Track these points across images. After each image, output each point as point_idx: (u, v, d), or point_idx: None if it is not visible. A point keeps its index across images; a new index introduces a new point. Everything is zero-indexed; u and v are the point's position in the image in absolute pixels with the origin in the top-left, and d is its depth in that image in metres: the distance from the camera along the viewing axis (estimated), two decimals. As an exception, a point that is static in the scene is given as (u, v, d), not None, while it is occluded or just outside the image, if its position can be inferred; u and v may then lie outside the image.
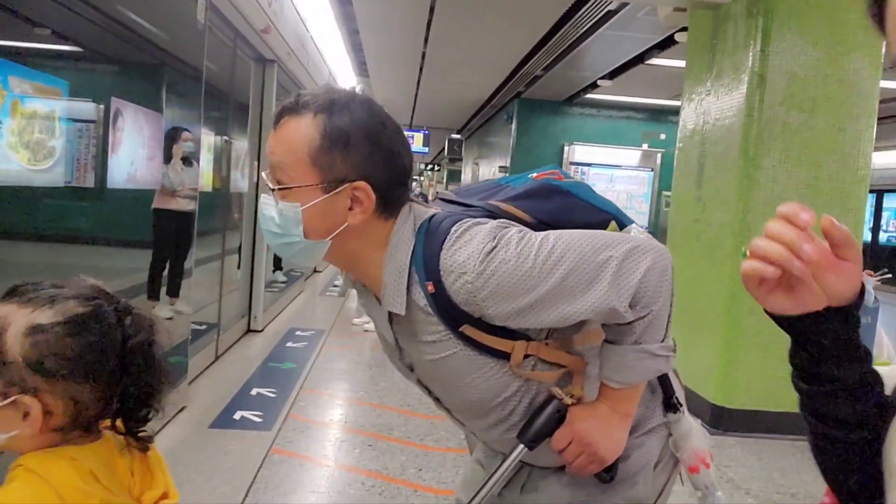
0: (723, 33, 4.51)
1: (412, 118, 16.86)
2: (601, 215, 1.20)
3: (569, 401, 1.16)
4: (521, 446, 1.17)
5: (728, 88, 4.39)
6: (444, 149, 18.68)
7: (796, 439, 4.12)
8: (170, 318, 4.50)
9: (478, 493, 1.20)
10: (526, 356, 1.15)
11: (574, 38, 8.19)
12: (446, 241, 1.11)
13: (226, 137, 5.94)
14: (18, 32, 2.73)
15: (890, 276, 5.73)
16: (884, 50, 0.65)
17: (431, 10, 7.43)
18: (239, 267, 6.13)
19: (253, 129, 6.18)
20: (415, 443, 3.64)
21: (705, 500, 1.33)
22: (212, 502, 2.81)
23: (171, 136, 4.50)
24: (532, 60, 9.28)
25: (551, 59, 9.37)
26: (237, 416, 3.85)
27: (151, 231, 4.33)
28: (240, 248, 6.20)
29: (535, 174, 1.28)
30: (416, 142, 14.94)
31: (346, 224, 1.10)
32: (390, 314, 1.15)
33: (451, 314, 1.11)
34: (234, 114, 5.97)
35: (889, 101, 7.47)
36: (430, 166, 26.35)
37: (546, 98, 11.36)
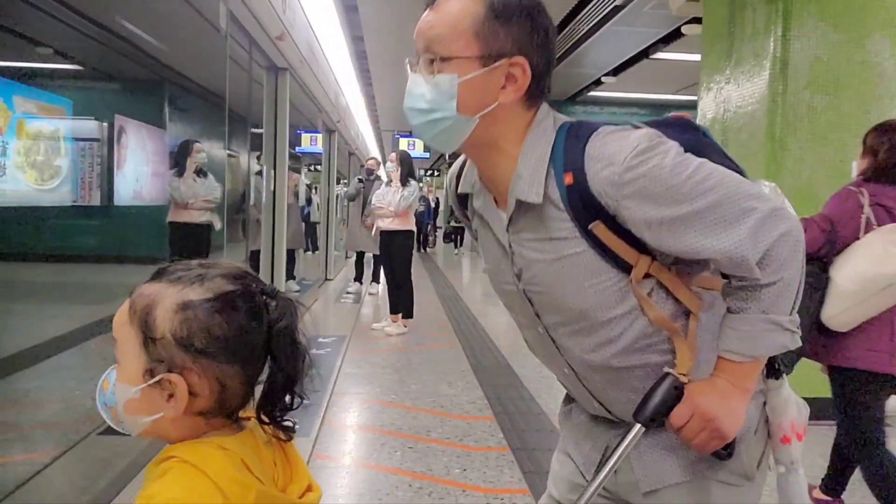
0: (740, 20, 4.50)
1: (414, 124, 16.84)
2: (732, 165, 1.16)
3: (684, 379, 1.12)
4: (638, 426, 1.12)
5: (749, 75, 4.37)
6: (443, 154, 18.68)
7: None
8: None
9: (596, 478, 1.13)
10: (647, 276, 1.12)
11: (579, 36, 8.19)
12: (595, 134, 1.10)
13: (234, 151, 5.94)
14: (22, 52, 2.73)
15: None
16: None
17: (437, 13, 7.43)
18: (287, 279, 6.12)
19: (268, 138, 6.16)
20: (455, 443, 3.60)
21: (787, 476, 1.28)
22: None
23: (184, 149, 4.51)
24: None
25: (558, 56, 9.35)
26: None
27: (166, 245, 4.33)
28: (255, 256, 6.18)
29: (670, 115, 1.26)
30: (418, 147, 14.95)
31: (496, 104, 1.10)
32: (512, 215, 1.15)
33: (585, 208, 1.09)
34: (242, 125, 5.96)
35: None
36: (429, 171, 26.44)
37: (548, 98, 11.36)
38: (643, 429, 1.12)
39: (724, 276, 1.18)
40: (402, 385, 4.77)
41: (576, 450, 1.37)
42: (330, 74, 8.11)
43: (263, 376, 0.91)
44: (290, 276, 7.48)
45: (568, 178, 1.09)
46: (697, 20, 6.90)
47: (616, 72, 10.20)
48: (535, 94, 1.13)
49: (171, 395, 0.84)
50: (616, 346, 1.16)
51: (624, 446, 1.13)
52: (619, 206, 1.07)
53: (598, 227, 1.10)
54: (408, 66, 1.15)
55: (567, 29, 7.89)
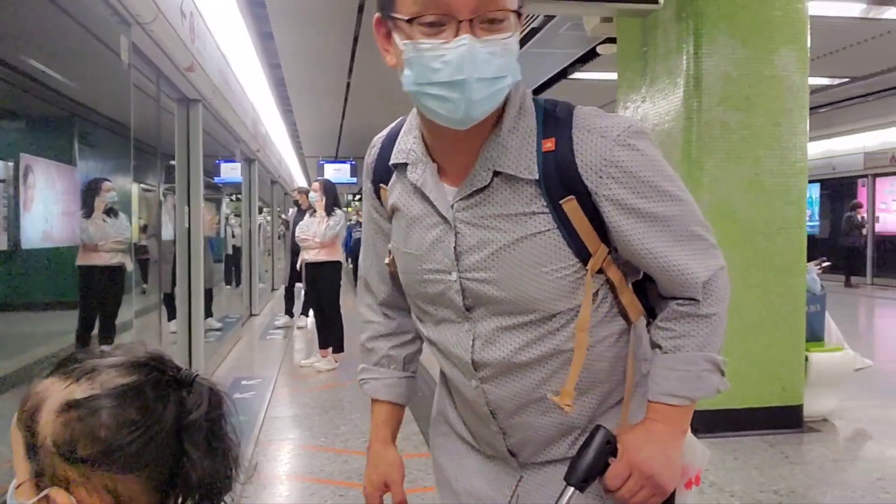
0: (653, 39, 4.56)
1: (338, 149, 16.67)
2: None
3: (568, 409, 1.06)
4: (571, 490, 1.01)
5: (664, 93, 4.42)
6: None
7: (765, 433, 4.13)
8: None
9: None
10: (600, 271, 1.05)
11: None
12: (578, 107, 1.04)
13: (148, 185, 5.65)
14: None
15: (829, 263, 5.92)
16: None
17: (355, 40, 7.33)
18: (170, 319, 5.78)
19: (181, 171, 5.88)
20: (389, 485, 3.42)
21: None
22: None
23: (92, 189, 4.23)
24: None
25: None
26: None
27: (77, 290, 4.04)
28: (169, 297, 5.86)
29: None
30: (344, 173, 14.77)
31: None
32: (469, 186, 1.04)
33: (561, 180, 1.00)
34: (159, 159, 5.68)
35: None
36: (356, 196, 26.30)
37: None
38: (576, 492, 1.01)
39: (653, 313, 1.12)
40: (332, 427, 4.56)
41: (470, 496, 1.22)
42: (246, 103, 7.87)
43: None
44: (207, 313, 7.08)
45: (548, 144, 1.01)
46: (612, 40, 7.05)
47: (537, 92, 10.33)
48: None
49: None
50: (549, 344, 1.06)
51: None
52: (601, 185, 1.00)
53: (570, 204, 1.01)
54: (451, 32, 0.93)
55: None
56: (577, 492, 1.02)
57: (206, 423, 0.76)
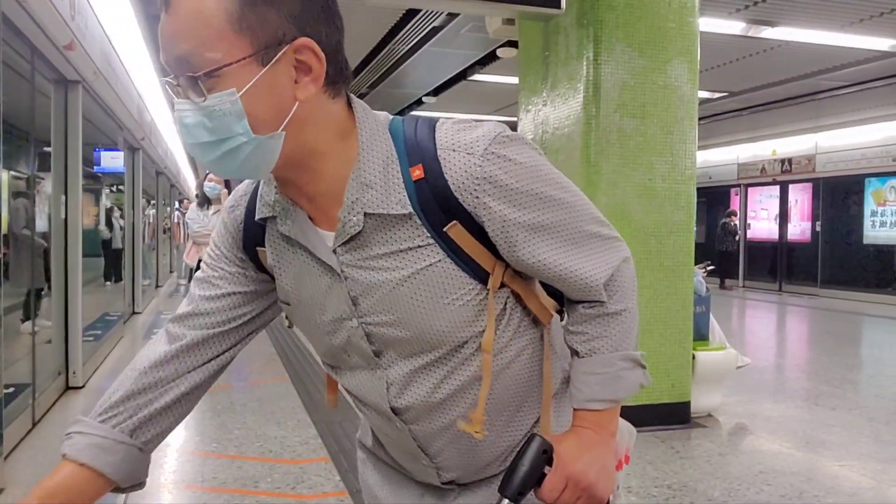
0: (555, 45, 4.65)
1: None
2: None
3: (478, 433, 1.01)
4: (506, 502, 0.97)
5: (564, 98, 4.52)
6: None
7: (656, 429, 4.30)
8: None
9: None
10: (502, 285, 1.00)
11: (399, 56, 8.19)
12: (439, 123, 0.96)
13: (18, 172, 5.18)
14: None
15: (714, 268, 6.27)
16: None
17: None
18: (27, 318, 5.33)
19: (57, 158, 5.45)
20: (287, 493, 3.30)
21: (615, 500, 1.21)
22: None
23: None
24: (357, 78, 9.15)
25: (376, 76, 9.32)
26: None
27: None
28: (36, 293, 5.41)
29: None
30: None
31: (296, 104, 0.87)
32: (343, 233, 0.95)
33: (441, 207, 0.93)
34: (32, 145, 5.23)
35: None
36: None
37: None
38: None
39: (561, 311, 1.11)
40: (225, 431, 4.35)
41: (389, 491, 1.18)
42: (131, 88, 7.42)
43: None
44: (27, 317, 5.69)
45: (417, 172, 0.93)
46: (512, 44, 7.16)
47: (436, 92, 10.36)
48: (337, 78, 0.92)
49: None
50: (464, 374, 1.01)
51: None
52: (478, 204, 0.93)
53: (455, 229, 0.95)
54: (169, 90, 0.89)
55: (386, 49, 7.84)
56: None
57: None
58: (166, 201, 16.16)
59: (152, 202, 14.12)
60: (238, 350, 1.12)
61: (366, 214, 0.93)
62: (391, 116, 1.00)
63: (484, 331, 0.99)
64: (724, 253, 14.76)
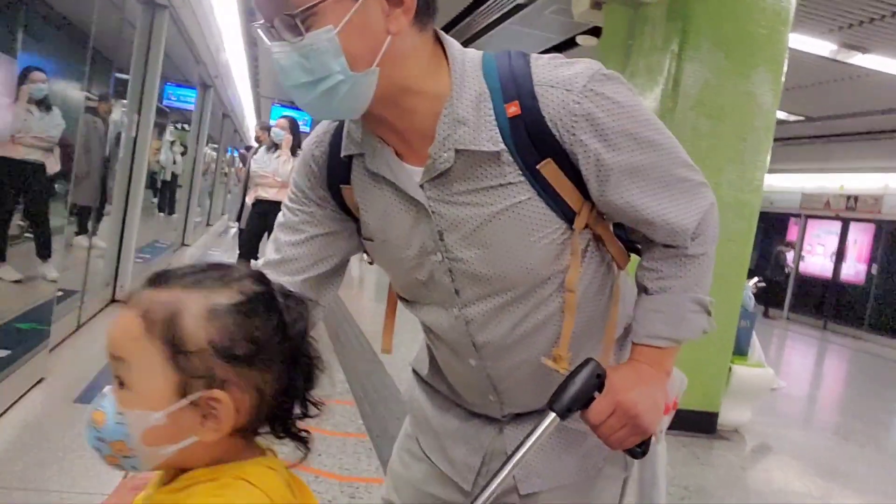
0: (639, 34, 4.58)
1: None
2: None
3: (563, 368, 1.01)
4: (552, 416, 0.98)
5: (642, 89, 4.45)
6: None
7: (680, 434, 4.26)
8: (17, 281, 3.99)
9: (493, 479, 0.97)
10: (586, 227, 1.00)
11: (478, 29, 8.15)
12: (533, 59, 0.95)
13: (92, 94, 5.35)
14: None
15: (764, 285, 6.15)
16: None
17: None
18: (83, 232, 5.51)
19: (135, 78, 5.59)
20: (310, 425, 3.37)
21: (654, 445, 1.17)
22: (86, 486, 2.43)
23: (20, 77, 3.95)
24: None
25: (451, 47, 9.29)
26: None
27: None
28: (89, 211, 5.58)
29: None
30: (301, 123, 14.46)
31: (388, 38, 0.88)
32: (433, 169, 0.95)
33: (534, 144, 0.93)
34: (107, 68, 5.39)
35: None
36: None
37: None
38: (558, 419, 0.98)
39: (634, 251, 1.11)
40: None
41: (439, 453, 1.20)
42: (213, 23, 7.55)
43: None
44: (82, 231, 6.12)
45: (513, 108, 0.93)
46: (593, 32, 7.07)
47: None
48: (426, 11, 0.92)
49: (206, 415, 0.73)
50: (543, 312, 1.02)
51: (534, 438, 0.98)
52: (574, 141, 0.93)
53: (548, 167, 0.95)
54: (262, 34, 0.90)
55: (466, 20, 7.82)
56: (559, 419, 0.98)
57: (306, 332, 0.80)
58: (228, 145, 16.46)
59: (214, 144, 14.41)
60: (327, 295, 1.15)
61: (457, 151, 0.94)
62: (481, 53, 0.99)
63: (565, 270, 1.00)
64: (772, 282, 14.43)
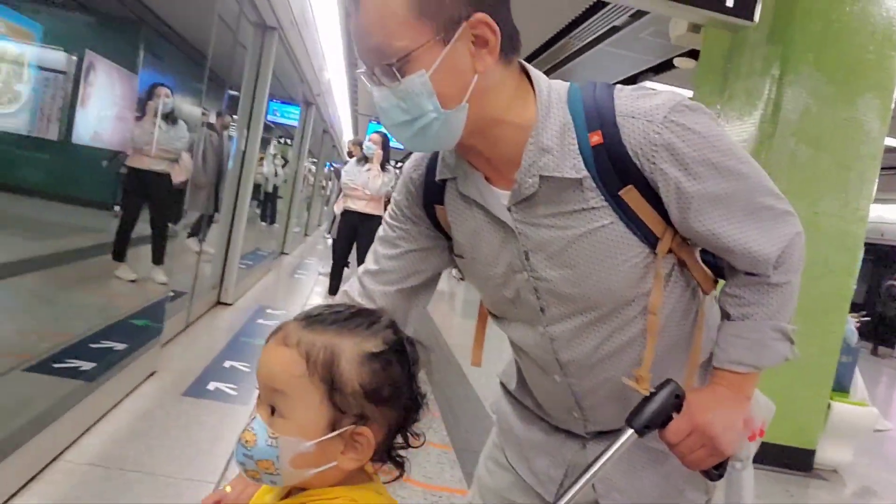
0: (738, 57, 4.51)
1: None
2: None
3: (643, 389, 1.05)
4: (630, 432, 1.03)
5: (740, 114, 4.38)
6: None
7: (773, 470, 4.10)
8: (132, 281, 4.30)
9: (570, 489, 1.03)
10: (669, 251, 1.05)
11: (572, 51, 8.18)
12: (617, 90, 1.01)
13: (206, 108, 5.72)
14: None
15: (868, 318, 5.86)
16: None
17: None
18: (193, 234, 5.87)
19: (246, 95, 5.96)
20: (395, 434, 3.50)
21: (741, 472, 1.18)
22: (191, 473, 2.63)
23: (148, 92, 4.28)
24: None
25: (545, 69, 9.36)
26: (211, 386, 3.66)
27: (117, 191, 4.12)
28: (202, 218, 5.94)
29: None
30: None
31: (475, 77, 0.96)
32: (519, 194, 1.03)
33: (616, 171, 0.99)
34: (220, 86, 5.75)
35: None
36: (398, 164, 26.30)
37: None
38: (635, 435, 1.03)
39: (722, 275, 1.13)
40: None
41: (523, 464, 1.27)
42: (318, 44, 7.92)
43: None
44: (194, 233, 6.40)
45: (595, 138, 0.98)
46: (691, 55, 6.97)
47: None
48: (510, 48, 0.99)
49: (347, 445, 0.85)
50: (627, 334, 1.07)
51: (612, 452, 1.03)
52: (654, 170, 0.98)
53: (630, 193, 1.00)
54: (365, 80, 1.00)
55: (561, 41, 7.87)
56: (637, 436, 1.02)
57: (417, 372, 0.92)
58: (327, 160, 17.08)
59: (314, 158, 14.98)
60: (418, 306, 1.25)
61: (541, 177, 1.00)
62: (567, 84, 1.05)
63: (648, 293, 1.04)
64: (883, 317, 13.59)
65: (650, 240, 1.03)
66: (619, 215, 1.01)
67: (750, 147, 4.20)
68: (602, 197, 1.00)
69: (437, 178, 1.13)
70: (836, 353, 4.27)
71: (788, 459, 4.20)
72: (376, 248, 1.25)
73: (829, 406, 4.30)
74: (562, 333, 1.09)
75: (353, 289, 1.24)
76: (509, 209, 1.05)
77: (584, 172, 0.99)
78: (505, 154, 1.03)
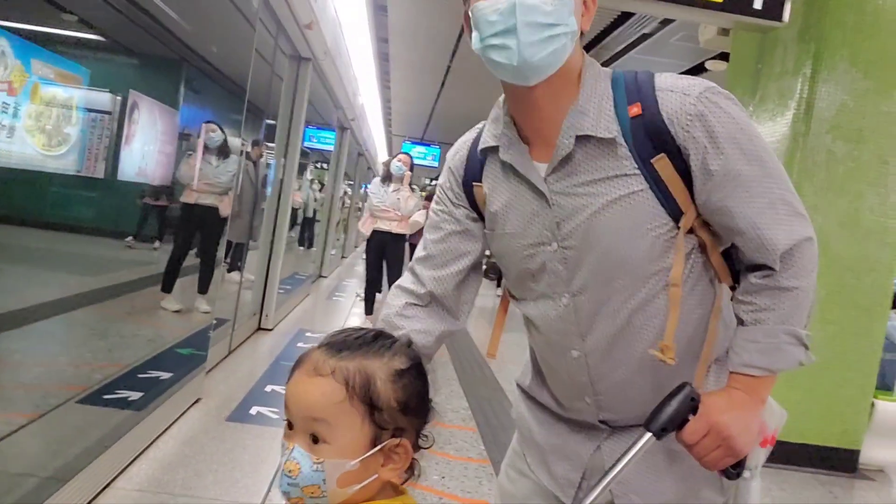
0: (769, 58, 4.46)
1: (425, 130, 16.87)
2: None
3: (670, 360, 1.08)
4: (648, 435, 1.04)
5: (772, 114, 4.33)
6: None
7: (818, 472, 4.01)
8: (177, 311, 4.42)
9: (590, 493, 1.04)
10: (691, 231, 1.09)
11: (604, 60, 8.18)
12: (657, 73, 1.09)
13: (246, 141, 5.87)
14: (46, 16, 2.68)
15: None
16: None
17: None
18: (233, 269, 5.97)
19: (282, 124, 6.09)
20: (435, 450, 3.50)
21: (750, 481, 1.17)
22: (235, 495, 2.69)
23: (194, 129, 4.42)
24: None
25: None
26: (253, 411, 3.74)
27: (162, 225, 4.25)
28: (237, 246, 6.07)
29: None
30: (430, 158, 15.03)
31: (580, 29, 1.07)
32: (560, 159, 1.09)
33: (651, 140, 1.05)
34: (258, 116, 5.89)
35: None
36: (432, 181, 26.54)
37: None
38: (653, 438, 1.04)
39: (737, 280, 1.14)
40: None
41: (542, 468, 1.29)
42: (350, 71, 8.08)
43: None
44: (233, 268, 6.50)
45: (635, 109, 1.06)
46: (722, 57, 6.91)
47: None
48: (586, 21, 1.12)
49: (387, 458, 0.91)
50: (649, 309, 1.10)
51: (630, 456, 1.05)
52: (687, 137, 1.04)
53: (662, 161, 1.05)
54: None
55: (592, 51, 7.88)
56: (655, 439, 1.04)
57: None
58: (362, 181, 17.30)
59: (350, 181, 15.19)
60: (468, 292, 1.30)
61: (577, 137, 1.07)
62: (612, 69, 1.13)
63: (670, 268, 1.08)
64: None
65: (675, 213, 1.07)
66: (650, 184, 1.06)
67: (784, 146, 4.14)
68: (636, 165, 1.06)
69: (480, 147, 1.20)
70: (879, 351, 4.16)
71: (833, 461, 4.10)
72: (425, 235, 1.32)
73: (872, 405, 4.19)
74: (585, 303, 1.13)
75: (390, 308, 1.29)
76: (546, 180, 1.11)
77: (618, 132, 1.06)
78: (551, 116, 1.09)
